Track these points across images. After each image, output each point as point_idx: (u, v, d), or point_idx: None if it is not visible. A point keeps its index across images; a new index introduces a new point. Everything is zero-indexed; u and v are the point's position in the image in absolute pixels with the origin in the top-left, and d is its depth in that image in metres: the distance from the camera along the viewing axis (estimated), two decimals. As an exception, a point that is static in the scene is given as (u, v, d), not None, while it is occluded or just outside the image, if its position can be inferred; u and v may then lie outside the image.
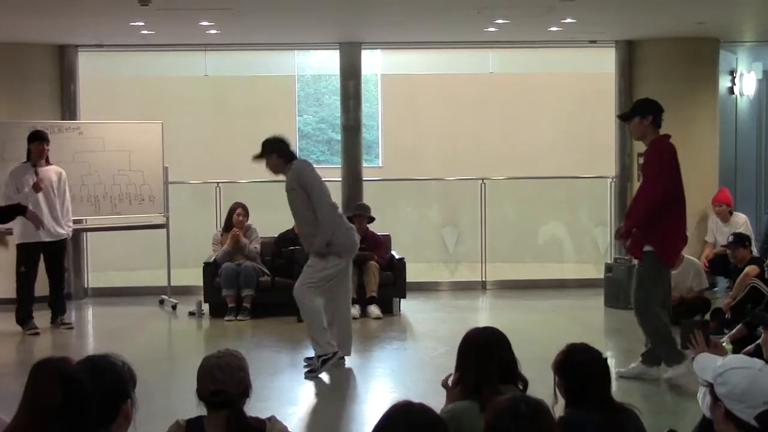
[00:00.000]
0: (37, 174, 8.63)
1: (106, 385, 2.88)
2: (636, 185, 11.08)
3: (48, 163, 8.80)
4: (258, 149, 7.14)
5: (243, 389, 3.27)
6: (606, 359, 3.46)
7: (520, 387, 3.57)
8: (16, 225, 8.57)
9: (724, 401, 2.83)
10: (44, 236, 8.67)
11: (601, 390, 3.36)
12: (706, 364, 3.01)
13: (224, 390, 3.21)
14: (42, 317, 8.89)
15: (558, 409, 3.16)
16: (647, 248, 6.50)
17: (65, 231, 8.96)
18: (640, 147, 10.75)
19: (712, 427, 2.94)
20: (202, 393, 3.26)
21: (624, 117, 6.82)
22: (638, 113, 6.59)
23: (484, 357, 3.54)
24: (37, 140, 8.68)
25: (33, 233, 8.57)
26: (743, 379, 2.82)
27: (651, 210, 6.46)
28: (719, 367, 2.89)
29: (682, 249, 6.82)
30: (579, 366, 3.35)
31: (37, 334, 8.62)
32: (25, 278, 8.73)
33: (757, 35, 11.51)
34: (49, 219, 8.70)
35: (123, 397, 2.93)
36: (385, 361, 7.89)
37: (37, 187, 8.56)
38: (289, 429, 3.37)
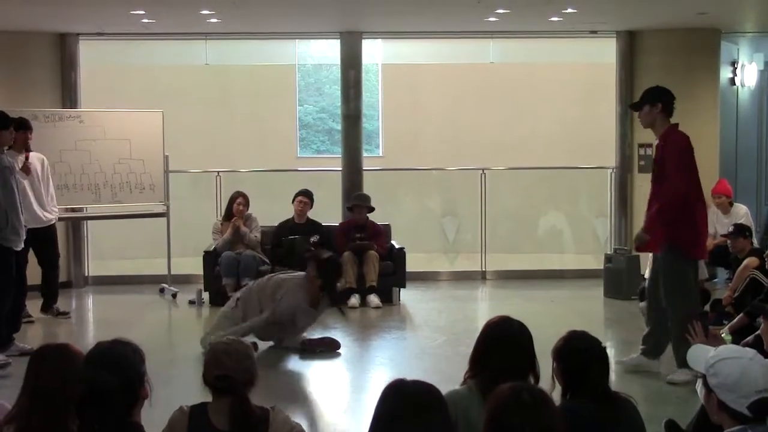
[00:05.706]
0: (27, 158, 8.52)
1: (125, 379, 2.93)
2: (636, 176, 11.09)
3: (29, 150, 8.66)
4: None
5: (249, 377, 3.26)
6: (605, 348, 3.44)
7: (531, 380, 3.39)
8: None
9: (716, 392, 2.83)
10: (33, 223, 8.59)
11: (599, 379, 3.35)
12: (699, 355, 2.99)
13: (230, 376, 3.20)
14: (32, 306, 8.79)
15: (554, 395, 3.16)
16: (668, 243, 6.35)
17: (53, 216, 8.92)
18: (640, 137, 10.83)
19: (710, 417, 2.95)
20: (208, 378, 3.25)
21: (634, 107, 6.78)
22: (647, 101, 6.56)
23: (509, 354, 3.39)
24: (23, 128, 8.43)
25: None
26: (735, 370, 2.81)
27: (677, 205, 6.32)
28: (711, 358, 2.89)
29: (705, 240, 6.73)
30: (577, 353, 3.34)
31: (31, 322, 8.57)
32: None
33: (759, 26, 11.48)
34: (36, 205, 8.64)
35: (140, 382, 2.99)
36: (384, 350, 7.90)
37: (26, 170, 8.47)
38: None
